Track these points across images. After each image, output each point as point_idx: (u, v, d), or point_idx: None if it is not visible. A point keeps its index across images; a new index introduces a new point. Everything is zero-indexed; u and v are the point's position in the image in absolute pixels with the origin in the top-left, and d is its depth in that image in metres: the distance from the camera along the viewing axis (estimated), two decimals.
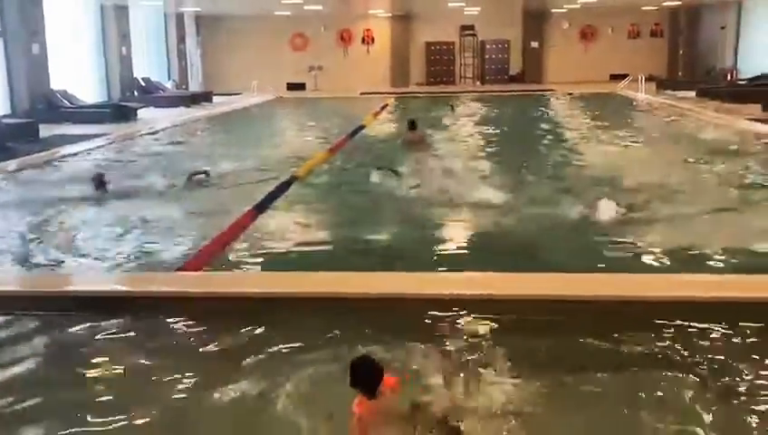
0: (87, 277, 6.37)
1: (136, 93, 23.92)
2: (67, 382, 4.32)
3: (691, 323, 4.72)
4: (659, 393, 3.96)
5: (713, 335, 4.62)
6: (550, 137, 15.34)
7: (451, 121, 18.14)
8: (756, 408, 3.81)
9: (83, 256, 6.96)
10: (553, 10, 31.09)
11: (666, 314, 4.82)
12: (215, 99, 25.75)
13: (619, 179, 9.73)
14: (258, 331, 4.85)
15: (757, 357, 4.33)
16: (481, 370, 4.21)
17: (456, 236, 7.60)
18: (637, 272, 6.06)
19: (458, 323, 4.84)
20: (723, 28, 27.60)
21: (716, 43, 28.13)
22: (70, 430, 3.79)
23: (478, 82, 31.97)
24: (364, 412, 3.51)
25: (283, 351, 4.53)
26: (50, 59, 19.14)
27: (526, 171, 10.82)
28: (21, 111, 18.13)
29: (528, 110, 21.80)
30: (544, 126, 17.35)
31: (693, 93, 22.04)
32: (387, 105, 23.23)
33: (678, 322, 4.73)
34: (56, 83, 19.42)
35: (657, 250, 6.61)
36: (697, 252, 6.58)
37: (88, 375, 4.38)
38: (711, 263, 6.28)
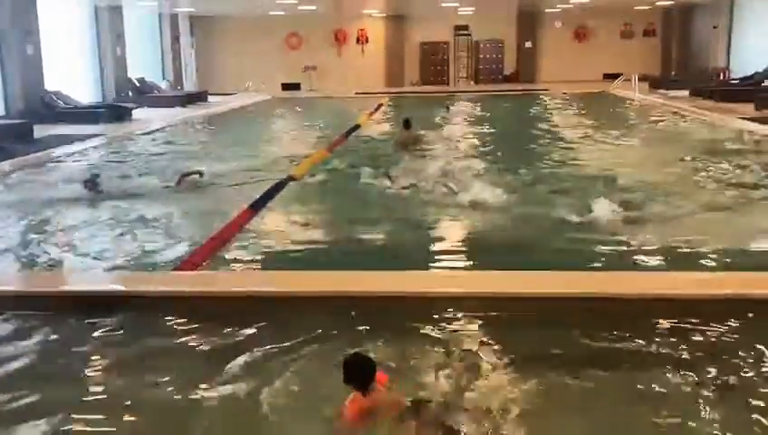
0: (81, 277, 6.36)
1: (130, 94, 23.85)
2: (61, 382, 4.30)
3: (688, 321, 4.73)
4: (657, 390, 3.97)
5: (709, 332, 4.63)
6: (544, 136, 15.36)
7: (446, 121, 18.16)
8: (755, 404, 3.82)
9: (78, 255, 6.95)
10: (547, 10, 31.13)
11: (663, 311, 4.84)
12: (209, 99, 25.67)
13: (614, 178, 9.77)
14: (254, 330, 4.83)
15: (754, 354, 4.34)
16: (480, 368, 4.21)
17: (451, 234, 7.61)
18: (633, 270, 6.08)
19: (457, 322, 4.84)
20: (715, 28, 27.69)
21: (709, 42, 28.22)
22: (64, 429, 3.78)
23: (472, 82, 32.02)
24: (355, 412, 3.52)
25: (281, 350, 4.52)
26: (44, 59, 19.06)
27: (521, 170, 10.83)
28: (15, 111, 18.07)
29: (522, 109, 21.84)
30: (538, 125, 17.38)
31: (686, 93, 22.09)
32: (381, 105, 23.25)
33: (675, 319, 4.75)
34: (51, 84, 19.35)
35: (652, 248, 6.63)
36: (693, 250, 6.60)
37: (82, 375, 4.36)
38: (706, 261, 6.31)
